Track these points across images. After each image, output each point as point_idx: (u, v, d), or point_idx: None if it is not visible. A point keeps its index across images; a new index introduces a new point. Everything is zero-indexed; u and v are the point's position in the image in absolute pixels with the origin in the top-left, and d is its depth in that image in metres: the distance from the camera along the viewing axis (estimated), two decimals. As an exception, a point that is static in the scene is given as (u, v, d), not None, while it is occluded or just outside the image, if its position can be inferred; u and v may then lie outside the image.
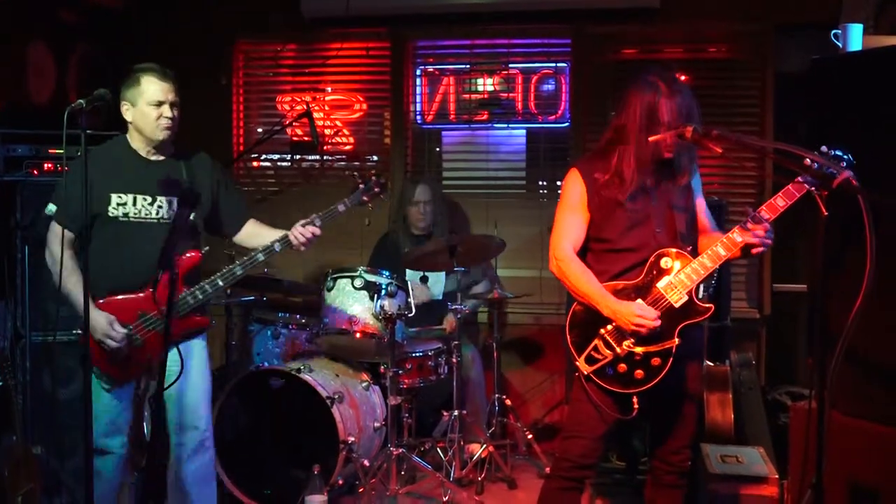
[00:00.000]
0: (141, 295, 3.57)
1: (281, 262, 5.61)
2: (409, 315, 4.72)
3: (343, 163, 6.35)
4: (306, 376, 4.58)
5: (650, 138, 3.14)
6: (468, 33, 6.11)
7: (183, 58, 6.08)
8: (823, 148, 2.93)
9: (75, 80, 5.76)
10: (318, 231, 3.80)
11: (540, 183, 6.20)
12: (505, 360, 5.82)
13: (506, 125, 6.14)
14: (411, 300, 4.78)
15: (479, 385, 5.43)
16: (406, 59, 6.18)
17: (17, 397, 4.01)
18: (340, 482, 4.61)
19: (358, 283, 4.74)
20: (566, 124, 6.05)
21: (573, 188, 3.34)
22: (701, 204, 3.43)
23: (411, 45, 6.20)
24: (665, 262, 3.21)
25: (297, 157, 6.40)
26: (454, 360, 4.95)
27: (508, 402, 5.43)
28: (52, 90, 5.58)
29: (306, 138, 6.13)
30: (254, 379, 4.69)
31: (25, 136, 4.76)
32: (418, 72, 6.25)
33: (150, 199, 3.62)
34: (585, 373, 3.25)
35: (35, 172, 4.68)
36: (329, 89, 6.29)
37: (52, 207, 3.56)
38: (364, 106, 6.29)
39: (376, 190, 4.04)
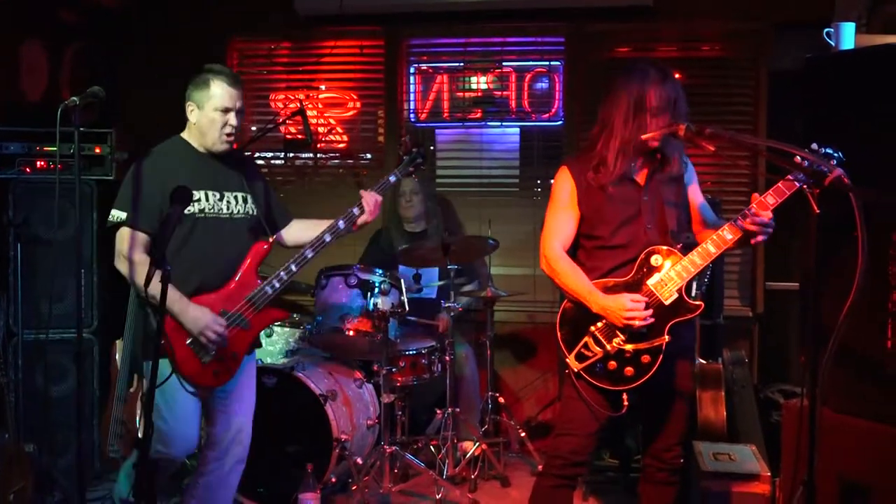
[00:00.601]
0: (221, 293, 3.51)
1: (273, 261, 5.59)
2: (403, 313, 4.72)
3: (337, 161, 6.35)
4: (299, 374, 4.57)
5: (642, 136, 3.14)
6: (462, 31, 6.11)
7: (177, 56, 6.11)
8: (814, 145, 2.94)
9: (69, 77, 5.75)
10: (379, 198, 3.86)
11: (534, 181, 6.20)
12: (498, 357, 5.82)
13: (499, 123, 6.14)
14: (404, 298, 4.78)
15: (472, 383, 5.43)
16: (400, 57, 6.18)
17: (9, 395, 4.01)
18: (333, 480, 4.61)
19: (351, 280, 4.73)
20: (560, 122, 6.05)
21: (563, 186, 3.35)
22: (696, 197, 3.43)
23: (405, 43, 6.20)
24: (655, 260, 3.22)
25: (291, 154, 6.39)
26: (447, 357, 4.95)
27: (502, 399, 5.42)
28: (46, 88, 5.57)
29: (300, 136, 6.11)
30: (247, 377, 4.66)
31: (18, 133, 4.76)
32: (412, 70, 6.25)
33: (218, 195, 3.55)
34: (576, 370, 3.25)
35: (28, 170, 4.67)
36: (323, 87, 6.29)
37: (119, 214, 3.39)
38: (358, 104, 6.29)
39: (419, 161, 4.12)
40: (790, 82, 4.97)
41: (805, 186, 2.83)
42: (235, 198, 3.60)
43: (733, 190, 5.79)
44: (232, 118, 3.51)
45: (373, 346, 4.82)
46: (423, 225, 5.67)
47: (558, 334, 3.30)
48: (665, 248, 3.22)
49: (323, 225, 3.77)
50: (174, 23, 6.22)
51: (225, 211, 3.56)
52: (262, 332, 5.08)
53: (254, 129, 6.30)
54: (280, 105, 6.33)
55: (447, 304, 5.00)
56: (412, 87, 6.24)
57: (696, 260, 3.18)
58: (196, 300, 3.43)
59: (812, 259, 2.81)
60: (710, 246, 3.17)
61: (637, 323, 3.15)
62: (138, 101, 6.01)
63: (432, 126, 6.30)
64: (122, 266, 3.37)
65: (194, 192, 3.42)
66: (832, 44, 4.04)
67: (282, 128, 6.16)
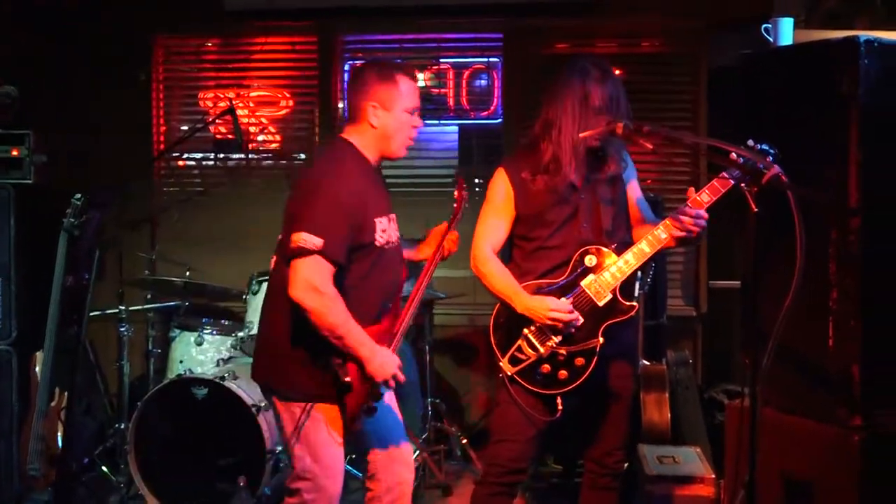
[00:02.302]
0: (382, 326, 3.22)
1: (203, 266, 5.53)
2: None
3: (270, 161, 6.29)
4: (230, 384, 4.51)
5: (580, 134, 3.16)
6: (397, 27, 6.09)
7: (99, 52, 6.03)
8: (750, 142, 2.98)
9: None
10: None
11: (473, 180, 6.20)
12: (438, 362, 5.81)
13: (437, 122, 6.13)
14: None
15: (413, 388, 5.42)
16: (333, 54, 6.14)
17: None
18: (268, 493, 4.55)
19: (284, 285, 4.68)
20: (499, 120, 6.06)
21: (498, 189, 3.37)
22: (635, 194, 3.45)
23: (339, 40, 6.16)
24: (589, 260, 3.24)
25: (222, 155, 6.32)
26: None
27: (443, 405, 5.41)
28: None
29: (230, 136, 6.03)
30: (176, 388, 4.60)
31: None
32: (346, 67, 6.21)
33: (390, 219, 3.27)
34: (509, 374, 3.26)
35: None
36: (254, 85, 6.22)
37: (313, 239, 2.95)
38: (291, 103, 6.23)
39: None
40: (730, 79, 5.03)
41: (742, 184, 2.86)
42: (395, 219, 3.32)
43: (674, 188, 5.85)
44: (418, 119, 3.25)
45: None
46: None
47: (491, 337, 3.31)
48: (599, 247, 3.24)
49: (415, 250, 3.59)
50: (95, 18, 6.10)
51: (394, 237, 3.26)
52: (194, 341, 5.06)
53: (185, 129, 6.21)
54: (209, 104, 6.25)
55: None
56: (347, 85, 6.20)
57: (631, 260, 3.20)
58: None
59: (750, 258, 2.84)
60: (645, 246, 3.20)
61: (560, 324, 3.16)
62: (57, 101, 5.89)
63: (368, 125, 6.26)
64: (311, 299, 2.94)
65: (381, 219, 3.16)
66: (770, 39, 4.10)
67: (211, 127, 6.08)
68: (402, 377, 3.12)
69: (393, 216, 3.26)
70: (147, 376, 5.23)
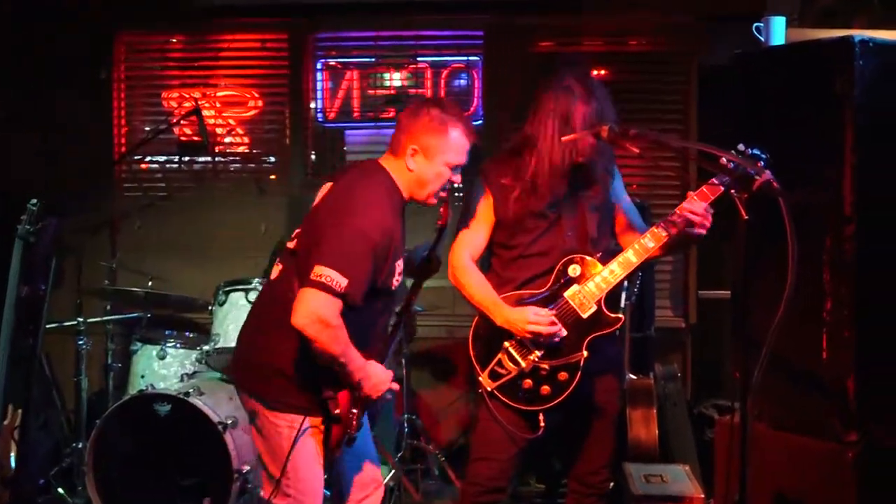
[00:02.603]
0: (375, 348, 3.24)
1: (167, 275, 5.51)
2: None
3: (238, 165, 6.28)
4: (195, 400, 4.49)
5: (563, 138, 3.17)
6: (372, 24, 6.10)
7: (57, 49, 5.99)
8: (741, 146, 3.00)
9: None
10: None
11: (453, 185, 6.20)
12: (415, 377, 5.80)
13: (414, 123, 6.13)
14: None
15: (388, 404, 5.41)
16: (305, 52, 6.14)
17: None
18: (235, 515, 4.54)
19: (253, 296, 4.67)
20: (479, 122, 6.06)
21: (477, 194, 3.40)
22: (621, 200, 3.47)
23: (311, 37, 6.16)
24: (573, 270, 3.26)
25: (187, 158, 6.29)
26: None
27: (420, 422, 5.41)
28: None
29: (196, 138, 6.02)
30: (137, 404, 4.58)
31: None
32: (319, 65, 6.21)
33: (402, 259, 3.23)
34: (489, 389, 3.27)
35: None
36: (221, 85, 6.21)
37: (339, 279, 2.91)
38: (260, 103, 6.22)
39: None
40: (722, 79, 5.07)
41: (732, 191, 2.89)
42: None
43: (662, 193, 5.88)
44: (458, 177, 3.18)
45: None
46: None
47: (470, 350, 3.33)
48: (584, 257, 3.26)
49: None
50: (54, 13, 6.07)
51: (399, 280, 3.22)
52: (157, 354, 5.04)
53: (148, 130, 6.19)
54: (174, 104, 6.23)
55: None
56: (319, 85, 6.20)
57: (617, 270, 3.22)
58: None
59: (740, 266, 2.86)
60: (632, 255, 3.21)
61: (541, 337, 3.18)
62: (12, 100, 5.87)
63: (341, 126, 6.26)
64: (316, 330, 2.91)
65: (398, 262, 3.14)
66: (762, 39, 4.13)
67: (176, 129, 6.06)
68: (397, 387, 3.19)
69: (403, 257, 3.24)
70: (106, 392, 5.20)
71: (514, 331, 3.22)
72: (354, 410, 3.10)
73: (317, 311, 2.90)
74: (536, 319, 3.18)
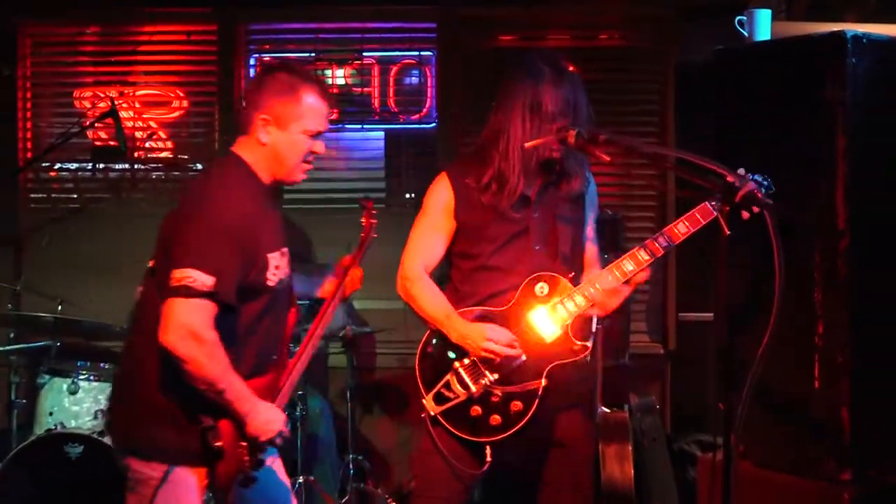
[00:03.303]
0: (268, 377, 3.17)
1: (79, 298, 5.46)
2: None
3: (160, 172, 6.24)
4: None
5: (526, 144, 3.19)
6: (312, 14, 6.11)
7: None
8: (741, 171, 3.02)
9: None
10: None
11: (403, 195, 6.22)
12: (362, 412, 5.80)
13: (360, 126, 6.17)
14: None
15: (328, 444, 5.40)
16: (237, 46, 6.12)
17: None
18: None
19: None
20: (433, 124, 6.10)
21: (438, 196, 3.41)
22: (589, 228, 3.50)
23: (242, 29, 6.15)
24: (540, 289, 3.28)
25: (102, 165, 6.25)
26: (297, 413, 4.91)
27: (367, 464, 5.40)
28: None
29: (112, 142, 5.99)
30: (45, 445, 4.55)
31: None
32: (252, 61, 6.18)
33: (280, 253, 3.17)
34: (432, 413, 3.28)
35: None
36: (141, 83, 6.18)
37: (203, 278, 2.85)
38: (185, 103, 6.20)
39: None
40: (702, 78, 5.13)
41: (712, 203, 2.92)
42: (287, 253, 3.23)
43: (638, 205, 5.93)
44: (320, 145, 3.18)
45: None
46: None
47: (416, 369, 3.35)
48: (553, 274, 3.28)
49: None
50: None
51: (286, 275, 3.18)
52: (67, 388, 4.99)
53: (56, 133, 6.14)
54: (87, 104, 6.18)
55: (295, 349, 4.96)
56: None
57: (589, 293, 3.24)
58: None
59: (722, 287, 2.89)
60: (607, 276, 3.23)
61: (497, 358, 3.19)
62: None
63: (278, 129, 6.26)
64: (187, 346, 2.84)
65: (274, 253, 3.09)
66: (745, 33, 4.20)
67: (89, 132, 6.02)
68: (287, 432, 3.10)
69: (286, 250, 3.19)
70: (9, 432, 5.13)
71: (468, 348, 3.23)
72: (243, 444, 3.00)
73: (186, 322, 2.84)
74: (494, 336, 3.20)
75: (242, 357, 3.02)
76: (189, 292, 2.84)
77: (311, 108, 3.11)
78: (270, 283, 3.06)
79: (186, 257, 2.88)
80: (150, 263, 3.11)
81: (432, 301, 3.33)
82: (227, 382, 2.91)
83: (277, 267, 3.09)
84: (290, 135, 3.10)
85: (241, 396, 2.95)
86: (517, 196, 3.28)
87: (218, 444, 2.94)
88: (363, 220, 3.65)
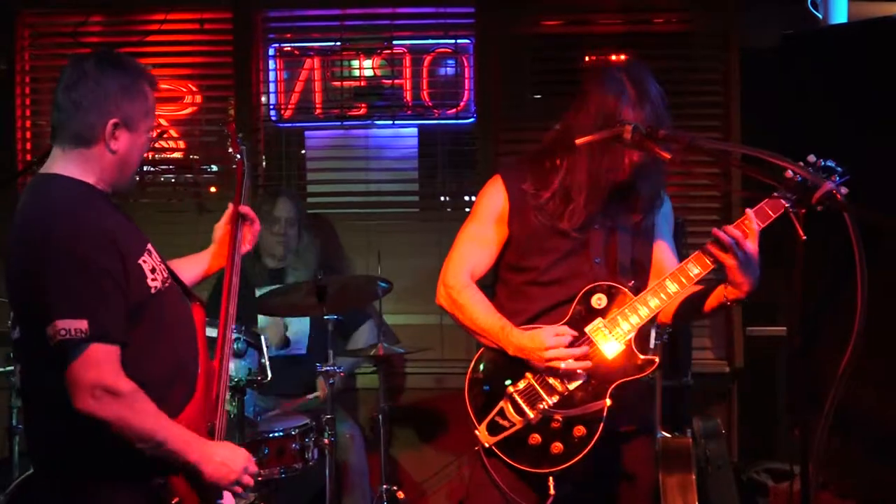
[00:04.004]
0: (198, 396, 3.07)
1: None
2: (264, 381, 4.68)
3: (171, 175, 6.28)
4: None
5: (577, 141, 3.19)
6: (338, 0, 6.14)
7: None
8: (811, 157, 3.01)
9: None
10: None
11: (438, 199, 6.24)
12: (396, 438, 5.81)
13: (391, 122, 6.19)
14: (266, 360, 4.74)
15: (360, 473, 5.41)
16: (254, 35, 6.17)
17: None
18: None
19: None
20: (471, 119, 6.11)
21: (491, 200, 3.41)
22: (665, 244, 3.48)
23: (261, 16, 6.20)
24: (597, 300, 3.27)
25: (108, 167, 6.30)
26: (326, 440, 4.91)
27: (401, 494, 5.39)
28: None
29: (119, 142, 6.03)
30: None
31: None
32: (272, 51, 6.25)
33: (147, 252, 3.02)
34: (486, 445, 3.28)
35: None
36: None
37: (75, 324, 2.72)
38: (198, 98, 6.25)
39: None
40: (770, 65, 5.11)
41: (788, 205, 2.91)
42: (153, 248, 3.09)
43: (701, 207, 5.92)
44: (149, 142, 3.13)
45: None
46: (291, 261, 5.64)
47: (466, 397, 3.33)
48: (612, 285, 3.27)
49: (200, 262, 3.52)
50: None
51: (164, 273, 3.05)
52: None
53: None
54: (91, 101, 6.23)
55: (324, 368, 4.98)
56: (272, 75, 6.24)
57: (653, 303, 3.24)
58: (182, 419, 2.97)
59: (798, 299, 2.87)
60: (671, 284, 3.22)
61: (563, 365, 3.18)
62: None
63: (300, 126, 6.33)
64: (106, 406, 2.73)
65: (140, 260, 2.94)
66: (819, 16, 4.18)
67: (94, 131, 6.07)
68: (253, 469, 3.03)
69: (150, 246, 3.03)
70: (11, 460, 5.17)
71: (530, 360, 3.22)
72: (198, 493, 2.93)
73: (93, 380, 2.71)
74: (555, 343, 3.18)
75: (157, 383, 2.88)
76: (72, 347, 2.71)
77: (153, 100, 3.04)
78: (154, 290, 2.94)
79: (48, 310, 2.73)
80: (15, 335, 2.95)
81: (485, 312, 3.32)
82: (163, 431, 2.81)
83: (153, 269, 2.97)
84: (140, 136, 3.00)
85: (185, 444, 2.86)
86: (582, 218, 3.28)
87: (175, 500, 2.88)
88: (230, 147, 3.66)
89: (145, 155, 5.92)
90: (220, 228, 3.51)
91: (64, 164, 2.93)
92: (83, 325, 2.70)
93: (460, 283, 3.36)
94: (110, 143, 2.91)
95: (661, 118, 3.23)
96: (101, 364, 2.73)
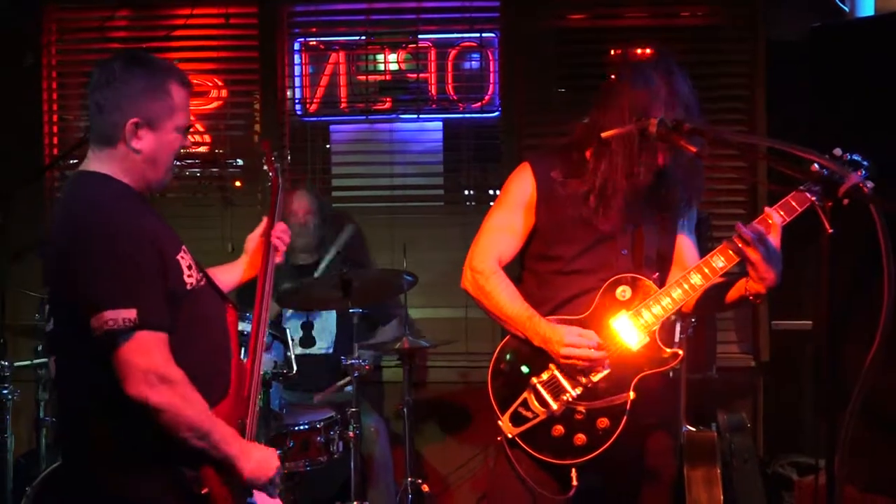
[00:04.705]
0: (232, 395, 3.12)
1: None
2: (289, 374, 4.70)
3: (196, 169, 6.30)
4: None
5: (603, 134, 3.19)
6: (364, -7, 6.16)
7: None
8: (837, 151, 3.00)
9: None
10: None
11: (463, 192, 6.24)
12: (421, 431, 5.82)
13: (416, 116, 6.20)
14: (291, 354, 4.76)
15: (384, 466, 5.42)
16: (280, 29, 6.19)
17: None
18: None
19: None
20: (496, 113, 6.12)
21: (518, 187, 3.41)
22: (686, 237, 3.48)
23: (286, 10, 6.22)
24: (622, 293, 3.27)
25: (134, 162, 6.32)
26: (351, 433, 4.92)
27: (426, 487, 5.41)
28: None
29: (144, 137, 6.05)
30: (76, 468, 4.59)
31: None
32: (297, 46, 6.26)
33: (183, 250, 3.07)
34: (509, 436, 3.28)
35: None
36: (176, 70, 6.25)
37: (124, 314, 2.76)
38: (224, 92, 6.27)
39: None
40: (796, 57, 5.09)
41: (814, 198, 2.90)
42: (187, 249, 3.12)
43: (727, 201, 5.90)
44: (188, 139, 3.14)
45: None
46: (316, 255, 5.66)
47: (490, 388, 3.34)
48: (636, 276, 3.27)
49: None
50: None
51: (198, 273, 3.09)
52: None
53: (83, 127, 6.23)
54: (117, 95, 6.26)
55: (349, 362, 4.99)
56: (297, 69, 6.27)
57: (677, 294, 3.23)
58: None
59: (825, 291, 2.86)
60: (695, 276, 3.22)
61: (579, 363, 3.18)
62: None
63: (325, 120, 6.35)
64: (160, 393, 2.77)
65: (179, 256, 2.98)
66: (846, 9, 4.16)
67: (120, 126, 6.10)
68: (279, 472, 3.05)
69: (185, 247, 3.06)
70: (37, 452, 5.21)
71: (550, 352, 3.22)
72: (228, 488, 2.95)
73: (146, 365, 2.76)
74: (573, 341, 3.19)
75: (195, 382, 2.89)
76: (119, 337, 2.75)
77: (181, 101, 3.05)
78: (189, 286, 2.98)
79: (96, 302, 2.78)
80: (49, 327, 3.01)
81: (511, 299, 3.32)
82: (209, 422, 2.85)
83: (189, 266, 3.01)
84: (164, 135, 3.01)
85: (226, 436, 2.90)
86: (619, 218, 3.27)
87: (204, 490, 2.89)
88: (266, 165, 3.67)
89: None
90: (254, 240, 3.54)
91: (98, 163, 2.98)
92: (132, 314, 2.75)
93: (488, 269, 3.36)
94: (132, 142, 2.95)
95: (692, 113, 3.22)
96: (153, 351, 2.78)
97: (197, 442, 2.83)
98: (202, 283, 3.06)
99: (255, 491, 3.12)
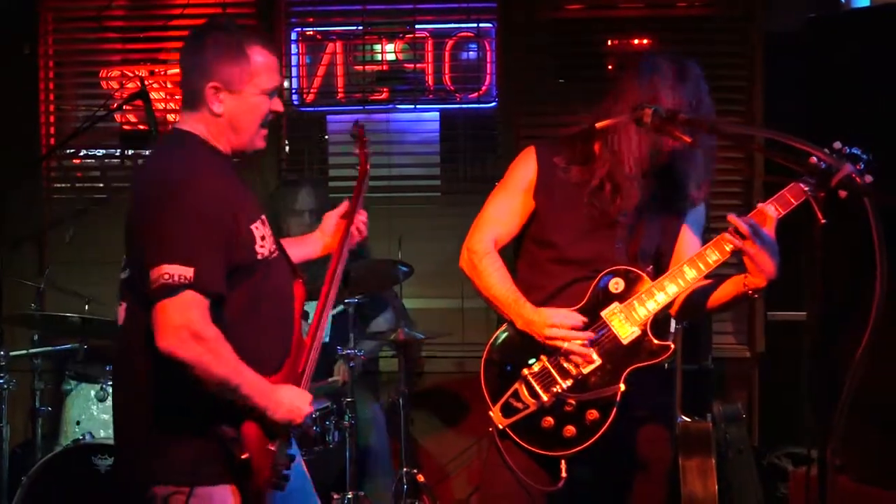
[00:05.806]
0: (288, 365, 3.18)
1: (107, 297, 5.52)
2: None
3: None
4: (144, 451, 4.52)
5: (597, 124, 3.19)
6: (360, -17, 6.15)
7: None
8: (837, 144, 2.99)
9: None
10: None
11: (460, 183, 6.24)
12: (417, 421, 5.82)
13: (413, 106, 6.20)
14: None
15: (381, 456, 5.42)
16: (277, 20, 6.17)
17: None
18: None
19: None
20: (493, 104, 6.12)
21: (521, 170, 3.41)
22: (690, 232, 3.47)
23: (283, 1, 6.21)
24: (615, 284, 3.27)
25: (131, 151, 6.32)
26: (347, 423, 4.94)
27: (421, 477, 5.41)
28: None
29: (141, 126, 6.06)
30: (71, 457, 4.62)
31: None
32: (293, 36, 6.25)
33: (261, 222, 3.13)
34: (500, 426, 3.28)
35: None
36: (172, 61, 6.24)
37: (180, 270, 2.82)
38: (220, 82, 6.25)
39: None
40: (793, 49, 5.09)
41: (807, 188, 2.90)
42: (267, 221, 3.19)
43: (723, 192, 5.90)
44: (277, 103, 3.16)
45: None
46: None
47: (482, 378, 3.34)
48: (629, 269, 3.27)
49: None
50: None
51: (273, 245, 3.15)
52: (95, 395, 5.05)
53: (80, 116, 6.23)
54: (114, 85, 6.27)
55: (345, 352, 5.00)
56: (294, 59, 6.25)
57: (669, 287, 3.23)
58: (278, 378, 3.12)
59: (818, 283, 2.87)
60: (688, 269, 3.21)
61: (563, 346, 3.18)
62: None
63: (322, 111, 6.36)
64: (189, 348, 2.82)
65: (253, 225, 3.04)
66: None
67: (117, 115, 6.11)
68: (310, 409, 3.11)
69: (265, 218, 3.14)
70: (33, 442, 5.20)
71: (533, 335, 3.22)
72: (271, 447, 2.99)
73: (181, 322, 2.81)
74: (558, 322, 3.19)
75: (254, 346, 3.00)
76: (171, 290, 2.81)
77: (263, 63, 3.08)
78: (261, 256, 3.04)
79: (158, 254, 2.84)
80: (123, 275, 3.08)
81: (501, 281, 3.32)
82: (240, 377, 2.90)
83: (263, 237, 3.06)
84: (246, 98, 3.06)
85: (257, 388, 2.95)
86: (634, 205, 3.27)
87: (245, 455, 2.93)
88: (357, 149, 3.69)
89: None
90: (332, 218, 3.59)
91: (185, 124, 3.09)
92: (189, 272, 2.80)
93: (483, 249, 3.36)
94: (212, 105, 3.02)
95: (702, 96, 3.22)
96: (192, 309, 2.83)
97: (228, 395, 2.89)
98: (274, 254, 3.11)
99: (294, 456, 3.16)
